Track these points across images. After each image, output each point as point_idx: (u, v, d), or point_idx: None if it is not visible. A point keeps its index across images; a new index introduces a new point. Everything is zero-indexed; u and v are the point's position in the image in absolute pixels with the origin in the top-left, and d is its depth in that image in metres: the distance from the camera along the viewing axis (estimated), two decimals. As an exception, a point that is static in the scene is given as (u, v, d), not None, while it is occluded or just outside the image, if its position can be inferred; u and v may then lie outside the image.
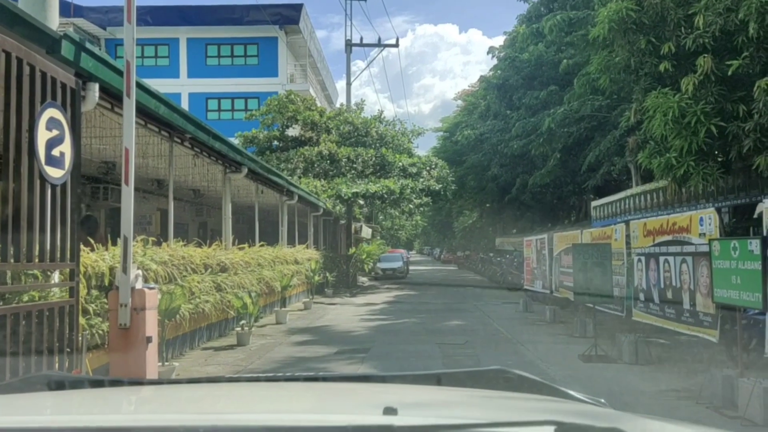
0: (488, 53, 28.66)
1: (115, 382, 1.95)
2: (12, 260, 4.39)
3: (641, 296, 9.29)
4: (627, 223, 10.69)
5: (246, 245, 13.25)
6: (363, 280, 29.61)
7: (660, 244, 8.69)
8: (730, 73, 9.35)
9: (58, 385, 1.68)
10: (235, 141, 21.46)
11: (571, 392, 1.71)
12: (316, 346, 10.67)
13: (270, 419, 1.29)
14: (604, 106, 17.55)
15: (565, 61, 19.00)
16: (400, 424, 1.15)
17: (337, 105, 40.82)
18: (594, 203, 20.58)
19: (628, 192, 17.58)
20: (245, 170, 12.53)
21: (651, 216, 13.10)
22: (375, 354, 9.65)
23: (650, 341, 9.45)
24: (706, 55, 9.82)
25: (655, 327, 9.02)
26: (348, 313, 15.92)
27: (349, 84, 32.84)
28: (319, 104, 32.07)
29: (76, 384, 1.79)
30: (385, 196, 23.95)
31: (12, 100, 4.43)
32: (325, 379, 2.29)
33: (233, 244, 12.46)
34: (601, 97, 17.10)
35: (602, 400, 1.70)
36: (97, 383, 1.94)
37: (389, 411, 1.20)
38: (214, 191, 15.91)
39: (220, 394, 1.69)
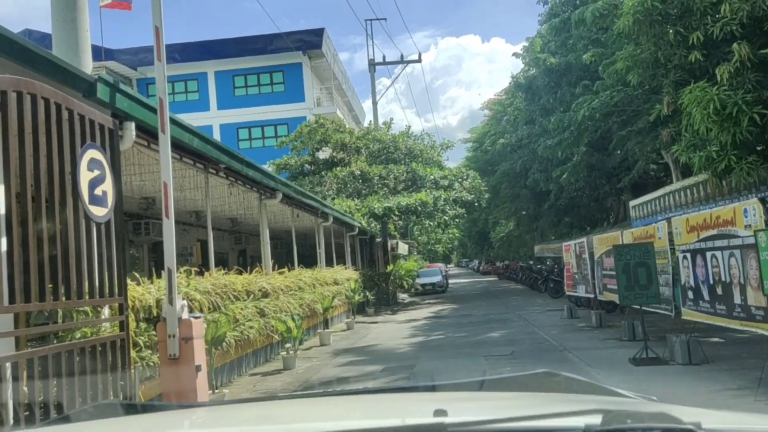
0: (513, 55, 28.59)
1: (174, 407, 2.01)
2: (63, 298, 4.54)
3: (690, 294, 9.04)
4: (669, 220, 10.45)
5: (285, 269, 13.40)
6: (403, 296, 29.54)
7: (705, 239, 8.47)
8: None
9: (129, 409, 1.76)
10: (267, 168, 21.81)
11: (622, 391, 1.70)
12: (361, 365, 10.67)
13: (326, 427, 1.34)
14: (635, 96, 17.11)
15: (586, 55, 18.60)
16: (451, 421, 1.18)
17: (365, 124, 41.17)
18: (632, 202, 20.18)
19: (667, 189, 17.20)
20: (280, 195, 12.72)
21: (693, 211, 12.78)
22: (420, 370, 9.60)
23: (703, 340, 9.18)
24: (741, 41, 9.61)
25: (707, 325, 8.76)
26: (390, 331, 15.89)
27: (375, 103, 33.16)
28: (347, 125, 32.39)
29: (146, 408, 1.87)
30: (419, 209, 23.95)
31: (54, 145, 4.60)
32: (375, 391, 2.32)
33: (273, 269, 12.61)
34: (630, 89, 16.72)
35: (654, 398, 1.68)
36: (156, 408, 2.01)
37: (440, 413, 1.23)
38: (250, 218, 16.17)
39: (281, 409, 1.75)
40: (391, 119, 32.45)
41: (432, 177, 26.43)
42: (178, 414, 1.79)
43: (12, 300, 4.05)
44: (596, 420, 1.12)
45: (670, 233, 9.92)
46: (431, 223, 29.89)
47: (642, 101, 16.86)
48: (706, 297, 8.49)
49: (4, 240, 4.11)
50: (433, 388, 2.02)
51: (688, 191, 15.50)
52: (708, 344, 9.38)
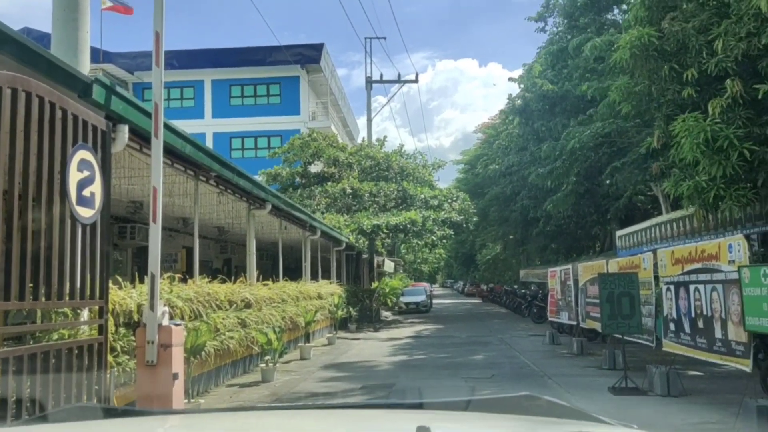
0: (510, 80, 28.69)
1: (155, 413, 1.99)
2: (43, 298, 4.49)
3: (671, 326, 9.09)
4: (654, 251, 10.54)
5: (270, 281, 13.33)
6: (386, 314, 29.44)
7: (689, 273, 8.55)
8: (760, 96, 9.28)
9: (108, 413, 1.74)
10: (258, 178, 21.80)
11: (602, 417, 1.70)
12: (340, 381, 10.59)
13: None
14: (628, 129, 17.31)
15: (586, 85, 18.82)
16: None
17: (359, 140, 41.31)
18: (619, 232, 20.34)
19: (654, 221, 17.35)
20: (269, 206, 12.69)
21: (678, 244, 12.90)
22: (400, 389, 9.54)
23: (682, 372, 9.22)
24: (734, 77, 9.79)
25: (687, 357, 8.80)
26: (372, 348, 15.81)
27: (369, 120, 33.28)
28: (340, 140, 32.49)
29: (125, 413, 1.85)
30: (408, 227, 23.98)
31: (45, 143, 4.59)
32: (357, 406, 2.30)
33: (257, 280, 12.54)
34: (622, 121, 16.92)
35: (634, 426, 1.69)
36: (136, 413, 1.99)
37: (423, 430, 1.22)
38: (238, 228, 16.11)
39: (263, 420, 1.72)
40: (385, 137, 32.66)
41: (422, 196, 26.51)
42: (158, 420, 1.77)
43: (-9, 297, 4.00)
44: None
45: (655, 265, 10.00)
46: (419, 243, 29.95)
47: (633, 133, 17.08)
48: (688, 330, 8.55)
49: (-13, 236, 4.07)
50: (417, 406, 2.01)
51: (675, 224, 15.65)
52: (687, 377, 9.42)
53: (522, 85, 26.31)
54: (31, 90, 4.47)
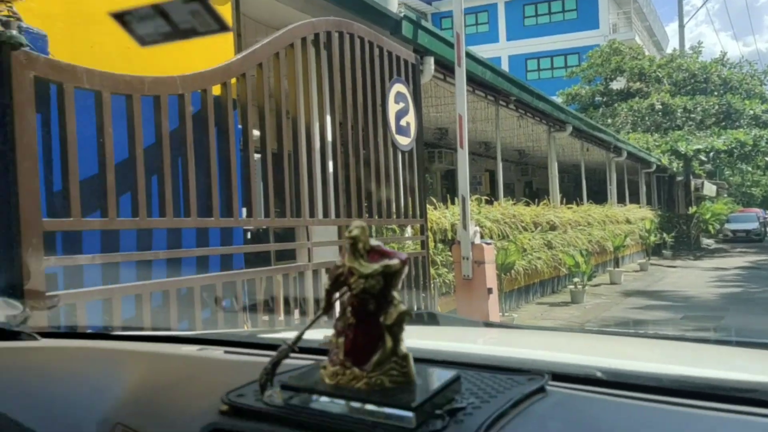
0: None
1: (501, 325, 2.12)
2: (376, 216, 5.14)
3: None
4: None
5: (573, 204, 13.04)
6: (708, 242, 26.47)
7: None
8: None
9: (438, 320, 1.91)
10: (557, 100, 21.17)
11: None
12: (656, 310, 9.96)
13: (674, 370, 1.20)
14: None
15: None
16: None
17: (668, 51, 36.74)
18: None
19: None
20: (569, 128, 12.29)
21: None
22: (729, 324, 8.57)
23: None
24: None
25: None
26: (691, 278, 14.42)
27: (681, 26, 29.39)
28: (647, 52, 29.36)
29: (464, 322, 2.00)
30: (735, 150, 20.80)
31: (367, 79, 5.12)
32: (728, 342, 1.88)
33: (560, 203, 12.38)
34: None
35: None
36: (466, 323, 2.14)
37: None
38: (538, 150, 16.01)
39: (641, 346, 1.58)
40: (700, 42, 28.36)
41: (751, 111, 22.59)
42: (497, 332, 1.83)
43: (337, 214, 4.72)
44: None
45: None
46: (745, 167, 25.82)
47: None
48: None
49: (331, 163, 4.78)
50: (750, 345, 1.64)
51: None
52: None
53: None
54: (353, 32, 4.98)
